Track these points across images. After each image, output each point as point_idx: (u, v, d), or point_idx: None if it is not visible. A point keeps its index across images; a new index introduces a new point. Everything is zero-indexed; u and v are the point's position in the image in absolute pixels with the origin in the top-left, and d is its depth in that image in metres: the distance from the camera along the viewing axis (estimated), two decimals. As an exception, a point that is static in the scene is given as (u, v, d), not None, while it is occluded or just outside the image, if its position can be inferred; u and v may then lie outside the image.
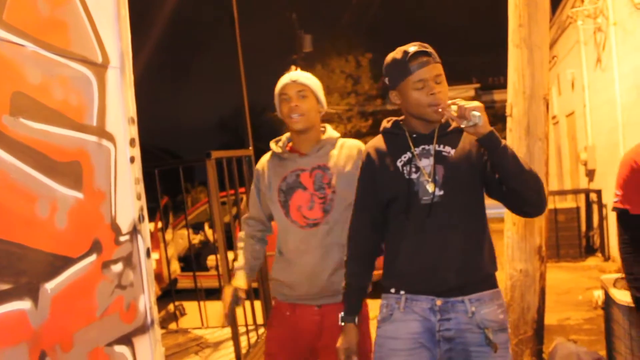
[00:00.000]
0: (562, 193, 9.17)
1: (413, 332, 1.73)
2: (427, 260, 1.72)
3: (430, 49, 1.72)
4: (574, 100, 9.31)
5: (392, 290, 1.79)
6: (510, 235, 3.43)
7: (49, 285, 1.28)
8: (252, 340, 3.43)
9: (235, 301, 2.10)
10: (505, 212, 3.09)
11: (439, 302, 1.72)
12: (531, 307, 3.38)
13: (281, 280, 2.12)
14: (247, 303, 3.47)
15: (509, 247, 3.43)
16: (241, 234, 2.27)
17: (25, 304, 1.21)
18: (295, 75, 2.12)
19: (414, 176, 1.74)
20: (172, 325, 4.37)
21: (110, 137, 1.58)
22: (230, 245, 3.77)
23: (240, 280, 2.16)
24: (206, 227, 7.35)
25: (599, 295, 4.76)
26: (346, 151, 2.12)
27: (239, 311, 3.20)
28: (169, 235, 6.20)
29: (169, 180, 4.68)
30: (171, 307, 5.15)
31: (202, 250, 7.04)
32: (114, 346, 1.53)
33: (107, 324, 1.50)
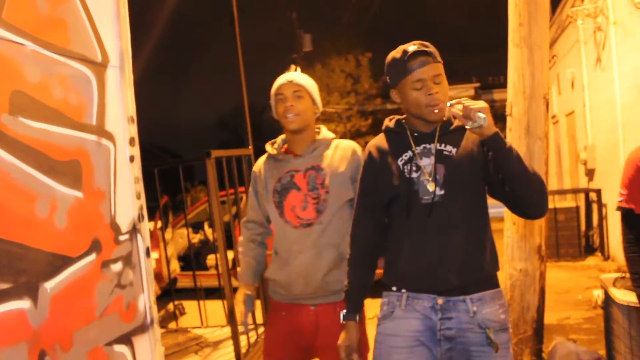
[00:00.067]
0: (561, 192, 9.17)
1: (414, 330, 1.72)
2: (428, 260, 1.71)
3: (430, 49, 1.71)
4: (573, 99, 9.31)
5: (394, 289, 1.79)
6: (510, 234, 3.43)
7: (49, 285, 1.28)
8: (252, 340, 3.42)
9: (249, 307, 2.14)
10: (505, 211, 3.09)
11: (440, 300, 1.71)
12: (531, 306, 3.38)
13: (276, 280, 2.13)
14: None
15: (509, 247, 3.43)
16: (241, 239, 2.27)
17: (24, 304, 1.20)
18: (292, 75, 2.13)
19: (414, 175, 1.73)
20: (172, 325, 4.36)
21: (110, 136, 1.58)
22: (229, 244, 3.77)
23: (247, 288, 2.19)
24: (206, 226, 7.35)
25: (598, 294, 4.77)
26: (340, 152, 2.13)
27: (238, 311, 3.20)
28: (168, 234, 6.19)
29: (169, 180, 4.68)
30: (171, 306, 5.15)
31: (201, 249, 7.04)
32: (114, 345, 1.52)
33: (107, 323, 1.50)
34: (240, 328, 2.26)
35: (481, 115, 1.57)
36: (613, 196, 6.96)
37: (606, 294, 3.09)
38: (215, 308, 4.46)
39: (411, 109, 1.76)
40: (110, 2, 1.63)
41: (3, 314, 1.14)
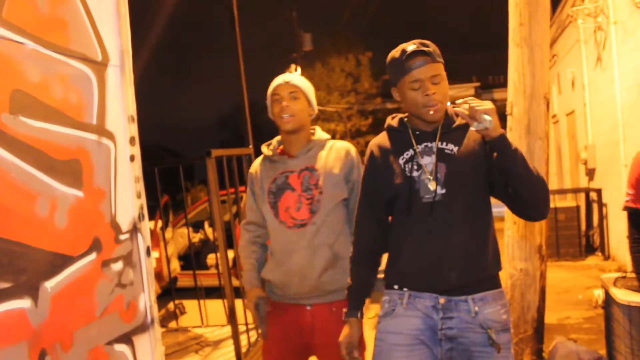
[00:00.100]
0: (562, 192, 9.16)
1: (415, 328, 1.72)
2: (429, 260, 1.71)
3: (429, 48, 1.69)
4: (574, 99, 9.31)
5: (396, 287, 1.79)
6: (511, 234, 3.43)
7: (49, 284, 1.28)
8: (252, 339, 3.43)
9: (263, 309, 2.14)
10: (505, 210, 3.08)
11: (442, 300, 1.71)
12: (531, 306, 3.38)
13: (272, 280, 2.15)
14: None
15: (509, 246, 3.43)
16: (242, 242, 2.29)
17: (25, 303, 1.20)
18: (289, 76, 2.16)
19: (415, 174, 1.73)
20: (172, 324, 4.36)
21: (110, 136, 1.58)
22: (230, 243, 3.77)
23: (256, 290, 2.19)
24: (206, 225, 7.35)
25: (599, 294, 4.77)
26: (334, 153, 2.15)
27: (238, 310, 3.21)
28: (168, 233, 6.20)
29: (169, 179, 4.68)
30: (171, 305, 5.15)
31: (202, 248, 7.04)
32: (114, 345, 1.52)
33: (107, 322, 1.50)
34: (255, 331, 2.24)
35: (487, 117, 1.55)
36: (613, 196, 6.95)
37: (607, 293, 3.09)
38: (215, 307, 4.46)
39: (409, 108, 1.76)
40: (110, 1, 1.63)
41: (3, 313, 1.14)
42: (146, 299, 1.69)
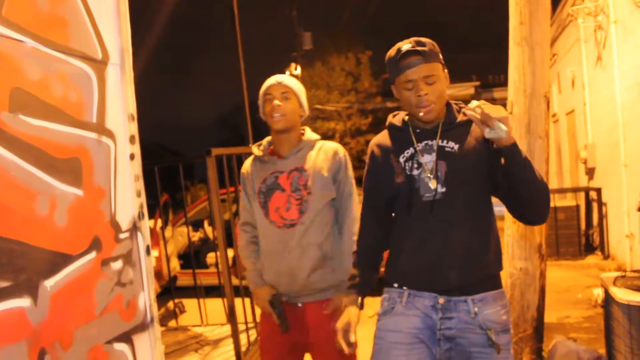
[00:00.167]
0: (562, 191, 9.16)
1: (414, 327, 1.72)
2: (429, 259, 1.70)
3: (425, 47, 1.67)
4: (574, 98, 9.30)
5: (395, 285, 1.79)
6: (511, 233, 3.43)
7: (49, 283, 1.28)
8: (252, 338, 3.43)
9: (279, 306, 2.12)
10: (505, 210, 3.08)
11: (441, 300, 1.71)
12: (531, 305, 3.38)
13: (263, 280, 2.18)
14: (247, 301, 3.47)
15: (509, 245, 3.43)
16: (241, 243, 2.31)
17: (24, 302, 1.20)
18: (281, 77, 2.19)
19: (415, 172, 1.72)
20: (172, 323, 4.36)
21: (110, 134, 1.58)
22: (230, 242, 3.77)
23: (264, 289, 2.18)
24: (206, 224, 7.34)
25: (598, 293, 4.77)
26: (323, 154, 2.17)
27: (238, 309, 3.21)
28: (168, 232, 6.19)
29: (169, 178, 4.67)
30: (171, 304, 5.15)
31: (201, 247, 7.04)
32: (114, 344, 1.52)
33: (107, 321, 1.49)
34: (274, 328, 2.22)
35: (502, 126, 1.50)
36: (613, 195, 6.95)
37: (606, 292, 3.09)
38: (215, 306, 4.46)
39: (405, 107, 1.76)
40: (110, -1, 1.63)
41: (3, 312, 1.14)
42: (146, 298, 1.69)
